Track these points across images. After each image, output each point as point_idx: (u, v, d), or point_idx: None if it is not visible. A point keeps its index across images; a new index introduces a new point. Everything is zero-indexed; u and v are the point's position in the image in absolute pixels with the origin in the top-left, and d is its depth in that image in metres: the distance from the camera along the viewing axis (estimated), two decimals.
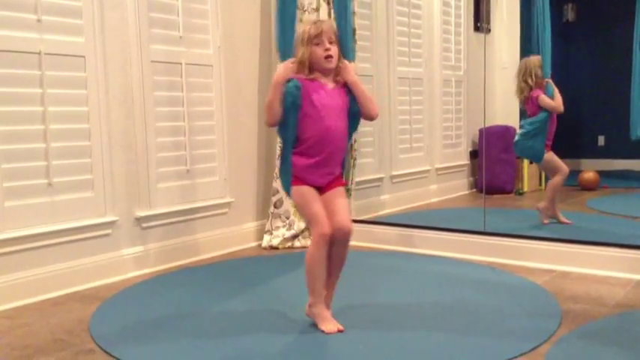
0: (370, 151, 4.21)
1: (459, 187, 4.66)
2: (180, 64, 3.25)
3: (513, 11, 3.67)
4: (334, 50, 2.11)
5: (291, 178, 2.16)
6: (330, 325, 2.13)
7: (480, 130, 4.39)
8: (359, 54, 3.80)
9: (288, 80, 2.11)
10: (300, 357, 1.96)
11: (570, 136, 4.84)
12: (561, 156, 4.72)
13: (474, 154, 4.61)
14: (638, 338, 2.05)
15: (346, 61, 2.20)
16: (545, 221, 3.58)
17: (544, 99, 3.49)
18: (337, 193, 2.16)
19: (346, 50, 2.22)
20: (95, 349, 2.07)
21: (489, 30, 4.07)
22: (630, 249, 2.82)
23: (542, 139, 3.53)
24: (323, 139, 2.12)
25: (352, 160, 3.78)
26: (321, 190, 2.17)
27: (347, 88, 2.19)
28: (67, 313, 2.46)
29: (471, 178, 4.69)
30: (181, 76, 3.26)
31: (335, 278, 2.24)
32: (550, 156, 3.60)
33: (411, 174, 4.50)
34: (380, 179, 4.30)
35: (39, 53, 2.67)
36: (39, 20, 2.67)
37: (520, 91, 3.57)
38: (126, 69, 3.02)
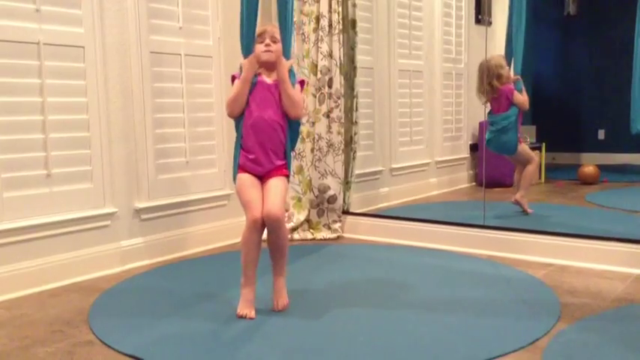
0: (370, 143, 4.20)
1: (458, 181, 4.66)
2: (180, 55, 3.24)
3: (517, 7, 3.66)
4: (274, 47, 2.28)
5: (237, 167, 2.33)
6: (244, 309, 2.23)
7: (480, 124, 4.38)
8: (359, 46, 3.79)
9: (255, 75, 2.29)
10: (300, 347, 1.96)
11: (570, 129, 4.84)
12: (561, 150, 4.73)
13: (474, 148, 4.61)
14: (638, 332, 2.05)
15: (283, 58, 2.30)
16: (529, 210, 3.60)
17: (517, 95, 3.56)
18: (272, 184, 2.29)
19: (285, 49, 2.33)
20: (94, 340, 2.07)
21: (490, 22, 4.05)
22: (629, 243, 2.81)
23: (515, 133, 3.60)
24: (252, 129, 2.28)
25: (352, 153, 3.77)
26: (263, 178, 2.31)
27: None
28: (66, 304, 2.46)
29: (471, 172, 4.69)
30: (181, 67, 3.25)
31: (278, 265, 2.32)
32: (522, 147, 3.68)
33: (411, 167, 4.50)
34: (380, 172, 4.30)
35: (38, 43, 2.65)
36: (38, 10, 2.65)
37: (486, 93, 3.64)
38: (125, 60, 3.00)
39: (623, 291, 2.49)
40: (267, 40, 2.28)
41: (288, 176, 2.37)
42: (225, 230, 3.54)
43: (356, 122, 3.78)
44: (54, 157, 2.73)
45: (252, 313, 2.23)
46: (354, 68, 3.75)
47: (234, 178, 2.34)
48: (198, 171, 3.38)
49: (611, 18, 4.53)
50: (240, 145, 2.32)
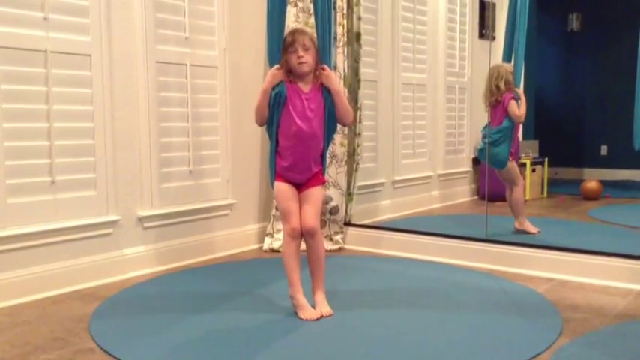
0: (373, 155, 4.21)
1: (460, 194, 4.66)
2: (186, 65, 3.26)
3: (519, 19, 3.68)
4: (307, 56, 2.29)
5: (274, 174, 2.40)
6: (307, 312, 2.31)
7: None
8: (364, 59, 3.81)
9: (276, 85, 2.32)
10: (299, 355, 1.96)
11: (573, 145, 4.85)
12: (563, 165, 4.74)
13: (476, 161, 4.61)
14: (639, 349, 2.04)
15: (329, 70, 2.36)
16: (534, 231, 3.57)
17: (513, 104, 3.50)
18: (309, 195, 2.36)
19: (326, 57, 2.40)
20: (95, 347, 2.07)
21: (494, 37, 4.07)
22: (631, 259, 2.81)
23: (507, 147, 3.56)
24: (292, 140, 2.32)
25: (355, 165, 3.78)
26: (301, 186, 2.38)
27: (323, 90, 2.35)
28: (68, 312, 2.46)
29: (473, 185, 4.69)
30: (186, 77, 3.27)
31: (318, 275, 2.39)
32: (512, 165, 3.62)
33: (413, 180, 4.50)
34: (382, 184, 4.30)
35: (45, 51, 2.67)
36: (46, 18, 2.67)
37: (491, 93, 3.58)
38: (131, 69, 3.02)
39: (625, 307, 2.49)
40: (300, 51, 2.28)
41: (325, 183, 2.45)
42: (228, 240, 3.54)
43: (359, 134, 3.79)
44: (59, 164, 2.74)
45: (314, 314, 2.31)
46: (358, 81, 3.76)
47: (272, 184, 2.41)
48: (201, 180, 3.39)
49: (615, 35, 4.56)
50: (277, 153, 2.37)
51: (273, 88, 2.32)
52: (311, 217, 2.33)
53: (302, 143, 2.32)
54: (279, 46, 2.36)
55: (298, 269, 2.36)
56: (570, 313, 2.39)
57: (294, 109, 2.31)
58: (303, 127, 2.30)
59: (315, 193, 2.38)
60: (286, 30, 2.55)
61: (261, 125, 2.42)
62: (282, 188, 2.37)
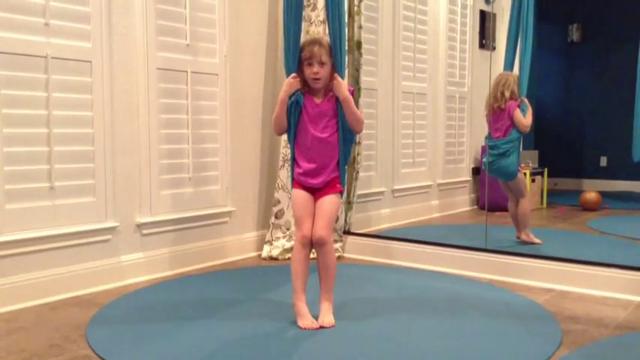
0: (372, 164, 4.21)
1: (460, 204, 4.66)
2: (186, 72, 3.26)
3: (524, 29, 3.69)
4: (322, 71, 2.31)
5: (292, 180, 2.43)
6: (306, 321, 2.30)
7: (483, 147, 4.39)
8: (364, 67, 3.81)
9: (293, 94, 2.34)
10: None
11: (573, 155, 4.85)
12: (563, 175, 4.74)
13: (475, 171, 4.61)
14: None
15: (339, 78, 2.36)
16: (537, 241, 3.56)
17: (518, 114, 3.49)
18: (323, 204, 2.36)
19: (339, 67, 2.39)
20: (91, 355, 2.06)
21: (494, 47, 4.08)
22: (632, 270, 2.80)
23: (517, 158, 3.54)
24: (307, 148, 2.36)
25: (354, 173, 3.78)
26: (317, 192, 2.38)
27: (337, 99, 2.36)
28: (65, 318, 2.45)
29: (473, 195, 4.69)
30: (187, 84, 3.27)
31: (325, 285, 2.38)
32: (522, 176, 3.61)
33: (413, 188, 4.50)
34: (381, 193, 4.30)
35: (46, 57, 2.67)
36: (47, 24, 2.68)
37: (495, 99, 3.56)
38: (132, 75, 3.02)
39: (625, 318, 2.48)
40: (316, 67, 2.29)
41: (342, 191, 2.45)
42: (227, 247, 3.53)
43: (359, 142, 3.79)
44: (58, 169, 2.73)
45: (314, 324, 2.29)
46: (359, 89, 3.76)
47: (292, 190, 2.45)
48: (200, 187, 3.38)
49: (615, 46, 4.57)
50: (295, 160, 2.40)
51: (290, 97, 2.34)
52: (321, 227, 2.32)
53: (315, 150, 2.34)
54: (295, 56, 2.35)
55: (303, 277, 2.35)
56: (570, 324, 2.38)
57: (308, 117, 2.34)
58: (315, 135, 2.33)
59: (330, 202, 2.36)
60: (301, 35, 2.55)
61: (280, 134, 2.46)
62: (298, 195, 2.38)
